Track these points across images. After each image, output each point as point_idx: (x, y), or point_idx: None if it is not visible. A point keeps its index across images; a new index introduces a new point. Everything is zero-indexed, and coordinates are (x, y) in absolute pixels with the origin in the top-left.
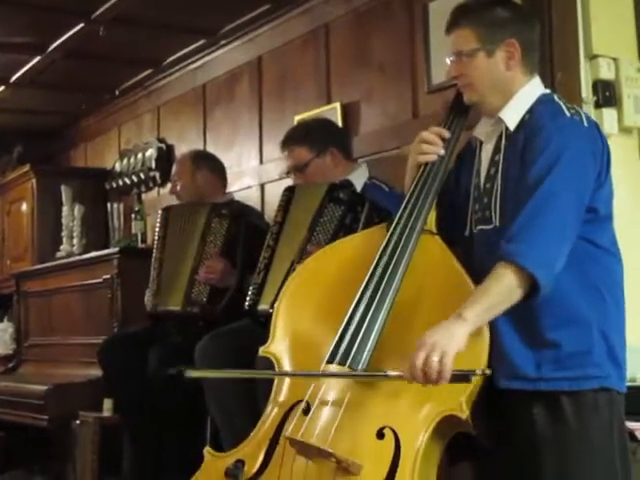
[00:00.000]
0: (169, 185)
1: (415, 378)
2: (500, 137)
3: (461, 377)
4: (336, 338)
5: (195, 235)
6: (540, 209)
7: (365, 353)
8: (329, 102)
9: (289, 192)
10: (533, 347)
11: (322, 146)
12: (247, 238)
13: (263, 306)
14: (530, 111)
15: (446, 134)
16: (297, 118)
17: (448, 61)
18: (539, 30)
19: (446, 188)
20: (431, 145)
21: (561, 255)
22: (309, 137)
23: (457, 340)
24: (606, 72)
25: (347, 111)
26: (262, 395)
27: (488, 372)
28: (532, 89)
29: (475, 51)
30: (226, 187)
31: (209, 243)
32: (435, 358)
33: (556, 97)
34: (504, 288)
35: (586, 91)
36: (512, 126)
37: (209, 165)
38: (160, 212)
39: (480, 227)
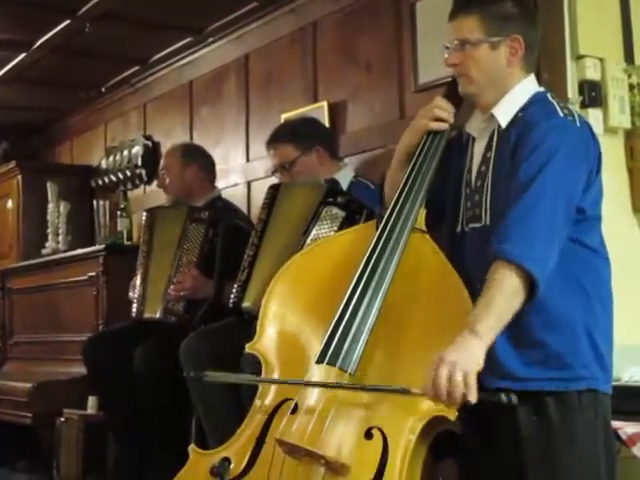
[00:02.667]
0: (155, 182)
1: (439, 397)
2: (492, 134)
3: (490, 397)
4: (326, 337)
5: (172, 242)
6: (532, 207)
7: (356, 353)
8: (316, 101)
9: (274, 190)
10: (521, 347)
11: (308, 144)
12: (226, 243)
13: (247, 303)
14: (523, 109)
15: (452, 109)
16: (284, 116)
17: (447, 48)
18: (539, 30)
19: (435, 182)
20: (444, 111)
21: (553, 253)
22: (295, 135)
23: (476, 358)
24: (592, 72)
25: (334, 110)
26: (247, 391)
27: (515, 400)
28: (527, 86)
29: (480, 42)
30: (214, 182)
31: (186, 250)
32: (458, 378)
33: (550, 96)
34: (508, 293)
35: (572, 91)
36: (504, 123)
37: (199, 161)
38: (144, 214)
39: (471, 225)
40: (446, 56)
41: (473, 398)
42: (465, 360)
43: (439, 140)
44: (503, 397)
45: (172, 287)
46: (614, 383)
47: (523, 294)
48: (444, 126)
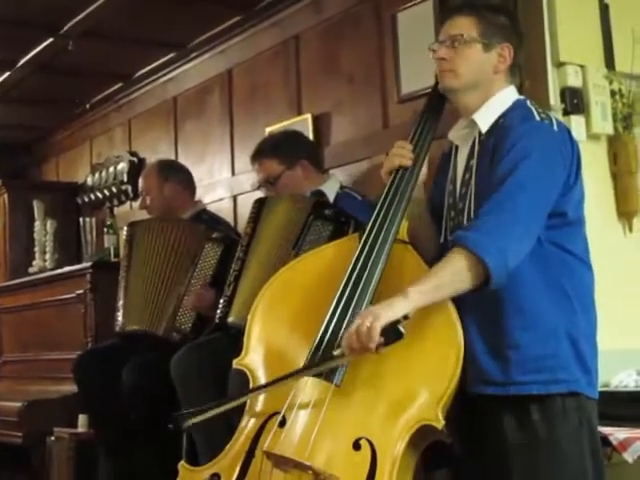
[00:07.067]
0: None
1: (351, 346)
2: (474, 141)
3: (389, 329)
4: (311, 350)
5: (182, 258)
6: (504, 201)
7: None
8: (300, 113)
9: (259, 204)
10: (499, 351)
11: (292, 158)
12: None
13: (232, 318)
14: (503, 115)
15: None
16: (268, 130)
17: (437, 46)
18: (524, 49)
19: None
20: (399, 156)
21: (518, 248)
22: (278, 150)
23: (393, 309)
24: (573, 79)
25: (318, 122)
26: (237, 407)
27: (410, 314)
28: (508, 95)
29: (474, 40)
30: (195, 196)
31: (199, 270)
32: (367, 323)
33: (529, 102)
34: (453, 270)
35: (554, 98)
36: (484, 128)
37: (176, 176)
38: (126, 228)
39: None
40: (434, 51)
41: (374, 338)
42: (379, 310)
43: (407, 174)
44: (401, 322)
45: (192, 296)
46: (603, 389)
47: (471, 277)
48: (406, 162)
